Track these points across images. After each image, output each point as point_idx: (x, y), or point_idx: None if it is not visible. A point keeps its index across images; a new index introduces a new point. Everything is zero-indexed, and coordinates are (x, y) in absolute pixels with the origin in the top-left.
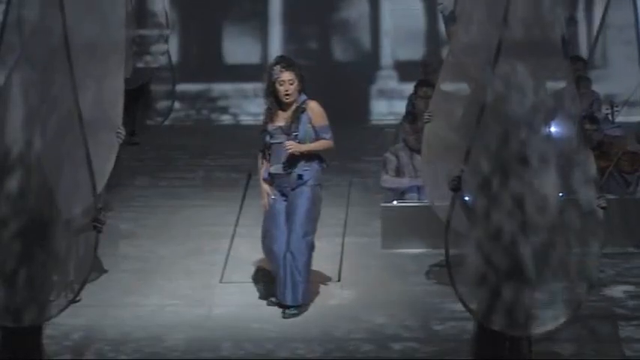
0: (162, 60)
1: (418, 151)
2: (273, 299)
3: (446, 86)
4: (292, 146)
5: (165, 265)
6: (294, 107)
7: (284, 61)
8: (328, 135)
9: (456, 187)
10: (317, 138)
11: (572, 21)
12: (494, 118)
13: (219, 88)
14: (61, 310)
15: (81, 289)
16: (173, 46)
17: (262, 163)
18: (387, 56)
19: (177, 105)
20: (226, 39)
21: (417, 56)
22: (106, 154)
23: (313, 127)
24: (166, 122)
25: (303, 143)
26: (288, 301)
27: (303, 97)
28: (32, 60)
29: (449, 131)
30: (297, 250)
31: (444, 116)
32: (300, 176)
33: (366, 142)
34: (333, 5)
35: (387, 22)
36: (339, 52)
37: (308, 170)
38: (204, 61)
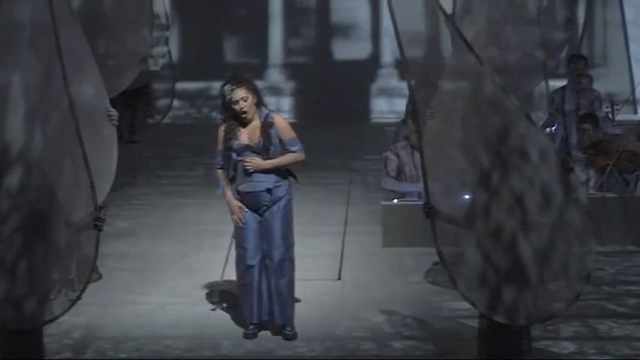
0: (164, 60)
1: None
2: (251, 327)
3: (447, 85)
4: (253, 164)
5: (165, 264)
6: (258, 123)
7: (234, 79)
8: (297, 147)
9: (431, 214)
10: (284, 152)
11: (569, 23)
12: (493, 111)
13: (219, 86)
14: (64, 312)
15: (84, 289)
16: (173, 45)
17: (227, 182)
18: (387, 55)
19: (177, 103)
20: (226, 37)
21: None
22: (108, 148)
23: (281, 141)
24: (167, 120)
25: (274, 158)
26: (279, 321)
27: (265, 110)
28: (34, 59)
29: (449, 130)
30: (280, 269)
31: (444, 115)
32: (273, 192)
33: (366, 140)
34: (333, 4)
35: (387, 20)
36: (340, 50)
37: (281, 186)
38: (204, 59)
